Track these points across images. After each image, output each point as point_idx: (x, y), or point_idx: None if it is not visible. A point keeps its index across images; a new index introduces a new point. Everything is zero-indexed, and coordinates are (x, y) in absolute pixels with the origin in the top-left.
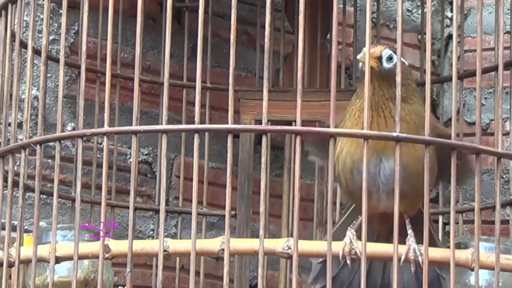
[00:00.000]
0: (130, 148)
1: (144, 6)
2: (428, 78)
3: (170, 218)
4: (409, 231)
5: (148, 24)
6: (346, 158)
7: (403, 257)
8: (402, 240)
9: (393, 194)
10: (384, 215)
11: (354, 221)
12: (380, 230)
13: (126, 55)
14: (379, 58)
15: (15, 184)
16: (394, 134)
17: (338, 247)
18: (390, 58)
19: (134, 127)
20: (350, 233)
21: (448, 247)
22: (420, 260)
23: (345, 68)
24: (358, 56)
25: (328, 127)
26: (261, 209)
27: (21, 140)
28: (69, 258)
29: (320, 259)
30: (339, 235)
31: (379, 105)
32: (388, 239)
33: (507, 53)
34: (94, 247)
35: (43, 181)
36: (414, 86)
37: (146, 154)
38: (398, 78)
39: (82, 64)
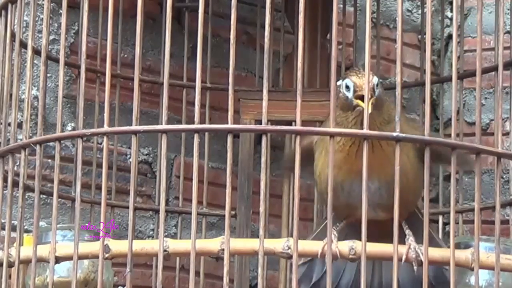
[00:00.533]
0: (130, 148)
1: (144, 6)
2: (428, 78)
3: (170, 218)
4: (407, 231)
5: (148, 24)
6: (329, 180)
7: (404, 257)
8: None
9: (380, 207)
10: (370, 220)
11: (337, 223)
12: (367, 234)
13: (126, 55)
14: (373, 90)
15: (15, 184)
16: (394, 134)
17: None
18: (377, 84)
19: (134, 127)
20: (333, 234)
21: (448, 247)
22: (422, 258)
23: (345, 68)
24: (355, 102)
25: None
26: (261, 209)
27: (21, 140)
28: (69, 258)
29: (302, 261)
30: (321, 237)
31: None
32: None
33: (507, 53)
34: (94, 247)
35: (43, 181)
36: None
37: (146, 154)
38: (398, 78)
39: (82, 64)
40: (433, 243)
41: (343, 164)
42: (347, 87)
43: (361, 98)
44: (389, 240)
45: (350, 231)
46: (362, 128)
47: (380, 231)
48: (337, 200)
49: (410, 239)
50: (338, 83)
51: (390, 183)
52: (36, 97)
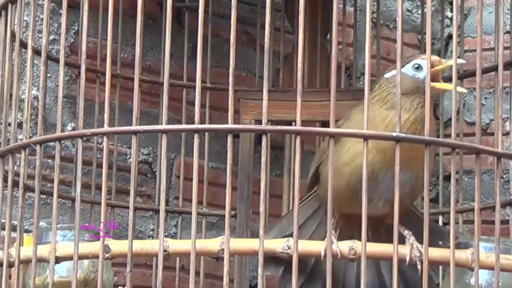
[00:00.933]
0: (130, 148)
1: (144, 6)
2: (428, 78)
3: (170, 218)
4: (405, 231)
5: (148, 24)
6: (329, 178)
7: (408, 258)
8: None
9: (389, 202)
10: (356, 216)
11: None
12: (358, 231)
13: (126, 55)
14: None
15: (15, 184)
16: (394, 134)
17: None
18: None
19: (134, 127)
20: (332, 234)
21: (448, 247)
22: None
23: (345, 68)
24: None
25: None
26: (261, 209)
27: (21, 140)
28: (69, 258)
29: None
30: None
31: (421, 120)
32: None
33: (507, 53)
34: (94, 247)
35: (43, 181)
36: None
37: (146, 154)
38: (398, 78)
39: (82, 64)
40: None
41: (385, 155)
42: (417, 68)
43: (436, 78)
44: (382, 237)
45: (344, 227)
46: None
47: (373, 228)
48: (356, 190)
49: (412, 238)
50: (391, 74)
51: (418, 177)
52: (36, 97)
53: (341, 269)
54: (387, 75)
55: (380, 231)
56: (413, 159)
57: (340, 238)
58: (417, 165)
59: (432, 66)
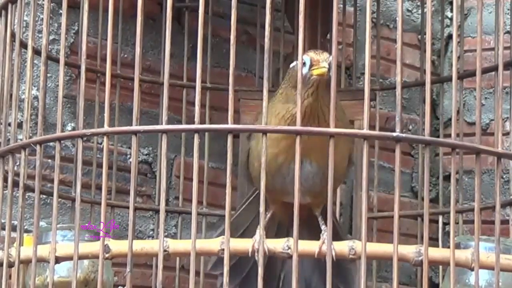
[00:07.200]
0: (130, 148)
1: (144, 6)
2: (428, 78)
3: (170, 218)
4: (323, 227)
5: (148, 24)
6: (270, 161)
7: (317, 251)
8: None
9: (309, 193)
10: (289, 204)
11: (267, 212)
12: (283, 218)
13: (126, 55)
14: (329, 65)
15: (15, 184)
16: (394, 134)
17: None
18: (330, 63)
19: (134, 127)
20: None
21: (448, 247)
22: (333, 253)
23: (345, 68)
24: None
25: None
26: (261, 209)
27: (21, 140)
28: (69, 258)
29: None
30: (242, 223)
31: (316, 111)
32: (289, 229)
33: (507, 53)
34: (94, 247)
35: (43, 181)
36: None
37: (146, 154)
38: (398, 78)
39: (82, 64)
40: (337, 237)
41: (290, 147)
42: (304, 63)
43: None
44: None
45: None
46: (317, 100)
47: (306, 218)
48: (273, 185)
49: (326, 234)
50: (292, 64)
51: (325, 167)
52: (36, 97)
53: (279, 267)
54: (291, 64)
55: (314, 222)
56: (314, 150)
57: (279, 229)
58: (321, 157)
59: (317, 62)
